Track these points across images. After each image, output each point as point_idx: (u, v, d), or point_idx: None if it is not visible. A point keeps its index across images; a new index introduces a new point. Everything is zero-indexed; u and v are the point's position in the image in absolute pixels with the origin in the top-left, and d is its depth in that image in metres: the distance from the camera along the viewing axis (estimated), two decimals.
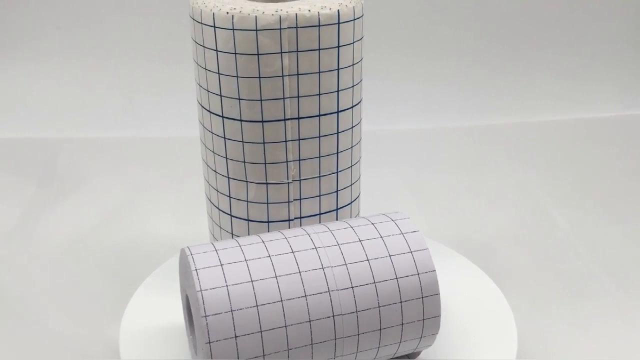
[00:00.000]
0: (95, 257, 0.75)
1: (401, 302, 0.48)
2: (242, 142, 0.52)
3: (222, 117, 0.52)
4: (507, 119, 1.10)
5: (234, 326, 0.44)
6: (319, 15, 0.49)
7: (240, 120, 0.51)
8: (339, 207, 0.57)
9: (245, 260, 0.47)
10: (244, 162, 0.53)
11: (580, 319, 0.65)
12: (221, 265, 0.46)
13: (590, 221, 0.82)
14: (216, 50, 0.50)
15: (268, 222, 0.55)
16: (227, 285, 0.45)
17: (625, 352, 0.61)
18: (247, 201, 0.54)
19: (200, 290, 0.45)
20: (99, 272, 0.72)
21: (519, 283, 0.69)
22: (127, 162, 0.99)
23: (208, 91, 0.52)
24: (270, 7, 0.49)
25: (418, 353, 0.53)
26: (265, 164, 0.53)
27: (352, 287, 0.47)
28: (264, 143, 0.52)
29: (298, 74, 0.50)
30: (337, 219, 0.57)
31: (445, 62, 1.12)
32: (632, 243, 0.78)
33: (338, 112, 0.53)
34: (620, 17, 1.14)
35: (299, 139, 0.52)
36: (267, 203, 0.54)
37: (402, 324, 0.48)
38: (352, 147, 0.56)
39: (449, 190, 0.90)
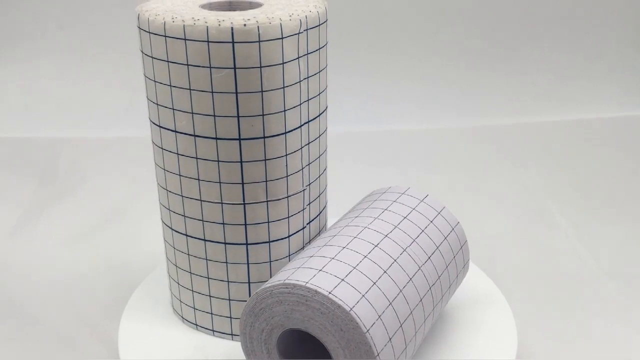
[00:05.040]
0: (96, 257, 0.74)
1: (454, 257, 0.53)
2: (265, 160, 0.49)
3: (239, 139, 0.48)
4: (507, 119, 1.09)
5: (386, 330, 0.44)
6: (318, 14, 0.49)
7: (263, 138, 0.48)
8: (326, 202, 0.58)
9: (353, 267, 0.46)
10: (266, 181, 0.50)
11: (581, 320, 0.64)
12: (342, 279, 0.44)
13: (591, 222, 0.81)
14: (234, 68, 0.45)
15: (289, 236, 0.53)
16: (363, 295, 0.44)
17: (626, 354, 0.60)
18: (268, 222, 0.51)
19: (351, 309, 0.43)
20: (99, 271, 0.71)
21: (519, 284, 0.69)
22: (128, 161, 0.97)
23: (215, 116, 0.47)
24: (280, 13, 0.47)
25: None
26: (287, 177, 0.50)
27: (430, 258, 0.51)
28: (286, 155, 0.50)
29: (308, 77, 0.49)
30: (327, 217, 0.58)
31: (446, 62, 1.09)
32: (633, 244, 0.76)
33: (326, 108, 0.54)
34: (621, 18, 1.12)
35: (309, 143, 0.52)
36: (288, 217, 0.52)
37: (457, 275, 0.54)
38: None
39: (448, 191, 0.88)
